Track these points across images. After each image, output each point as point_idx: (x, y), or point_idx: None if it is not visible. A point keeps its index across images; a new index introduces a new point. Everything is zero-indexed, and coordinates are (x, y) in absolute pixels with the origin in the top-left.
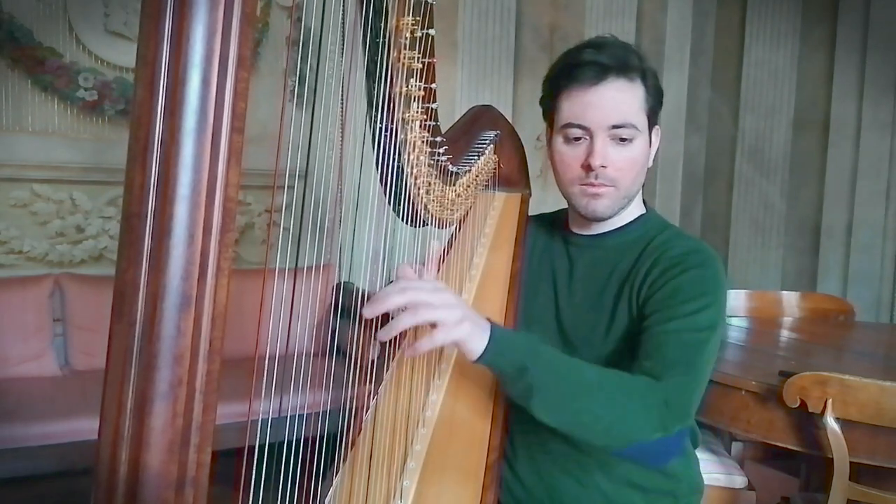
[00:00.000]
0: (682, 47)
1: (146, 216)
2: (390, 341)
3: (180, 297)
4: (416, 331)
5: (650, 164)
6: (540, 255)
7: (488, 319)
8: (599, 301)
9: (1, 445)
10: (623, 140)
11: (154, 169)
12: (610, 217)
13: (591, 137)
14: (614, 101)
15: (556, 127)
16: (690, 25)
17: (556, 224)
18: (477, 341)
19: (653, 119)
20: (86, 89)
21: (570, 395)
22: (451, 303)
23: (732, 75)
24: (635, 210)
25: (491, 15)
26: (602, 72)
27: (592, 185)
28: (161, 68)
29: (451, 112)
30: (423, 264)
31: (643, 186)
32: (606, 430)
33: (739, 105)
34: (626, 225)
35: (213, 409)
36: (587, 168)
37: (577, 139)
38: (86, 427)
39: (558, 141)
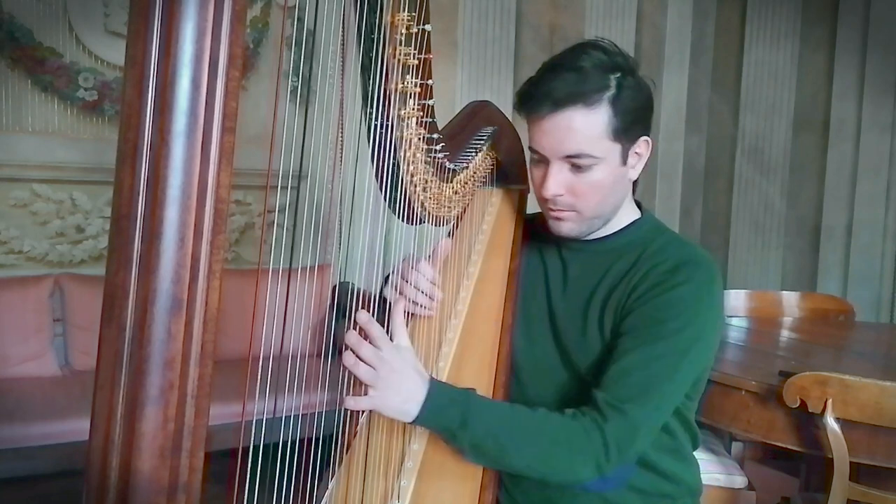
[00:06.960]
0: (682, 47)
1: (136, 218)
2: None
3: (171, 300)
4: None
5: (635, 176)
6: (534, 256)
7: (433, 380)
8: (588, 306)
9: (1, 445)
10: (581, 167)
11: (143, 170)
12: (578, 237)
13: (547, 165)
14: (568, 131)
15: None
16: (690, 25)
17: (548, 225)
18: (399, 414)
19: (629, 135)
20: (86, 89)
21: (500, 453)
22: (378, 377)
23: (732, 75)
24: (627, 216)
25: (491, 15)
26: (555, 105)
27: (552, 209)
28: (150, 68)
29: (450, 112)
30: (428, 258)
31: (635, 188)
32: (542, 478)
33: (739, 105)
34: (618, 231)
35: (206, 414)
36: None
37: (540, 161)
38: (85, 427)
39: (529, 159)
